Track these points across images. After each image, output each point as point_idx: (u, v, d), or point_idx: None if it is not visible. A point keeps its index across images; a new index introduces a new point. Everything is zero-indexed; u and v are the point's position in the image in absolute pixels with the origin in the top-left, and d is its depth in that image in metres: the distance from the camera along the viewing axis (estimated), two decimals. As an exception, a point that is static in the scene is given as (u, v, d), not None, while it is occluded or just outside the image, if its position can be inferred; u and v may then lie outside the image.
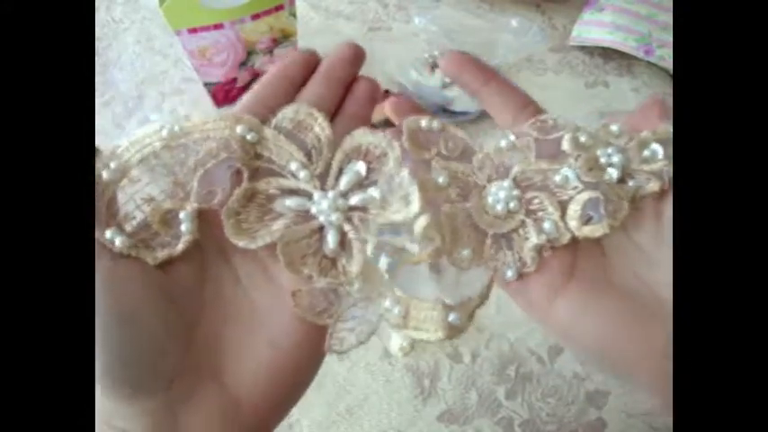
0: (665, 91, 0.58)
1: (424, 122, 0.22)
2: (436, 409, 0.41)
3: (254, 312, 0.20)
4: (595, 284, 0.20)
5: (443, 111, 0.55)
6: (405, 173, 0.20)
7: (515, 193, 0.21)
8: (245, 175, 0.20)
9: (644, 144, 0.21)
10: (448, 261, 0.21)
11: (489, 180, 0.22)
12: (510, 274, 0.21)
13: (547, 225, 0.21)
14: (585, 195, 0.20)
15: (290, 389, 0.20)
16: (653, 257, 0.20)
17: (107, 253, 0.18)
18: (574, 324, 0.20)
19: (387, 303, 0.20)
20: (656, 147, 0.21)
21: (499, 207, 0.21)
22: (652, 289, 0.19)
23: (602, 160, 0.21)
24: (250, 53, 0.52)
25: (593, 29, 0.60)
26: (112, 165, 0.19)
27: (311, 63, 0.24)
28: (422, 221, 0.19)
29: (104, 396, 0.17)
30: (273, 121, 0.21)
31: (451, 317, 0.19)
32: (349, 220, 0.20)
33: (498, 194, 0.21)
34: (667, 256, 0.18)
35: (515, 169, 0.22)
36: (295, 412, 0.40)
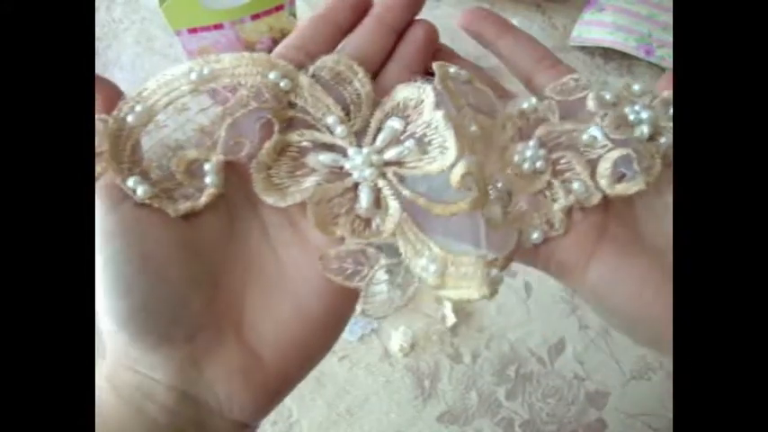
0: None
1: (452, 69, 0.21)
2: (436, 410, 0.41)
3: (280, 269, 0.19)
4: (627, 246, 0.20)
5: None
6: (440, 114, 0.19)
7: (542, 152, 0.21)
8: (276, 127, 0.19)
9: (668, 103, 0.21)
10: (482, 216, 0.20)
11: (512, 141, 0.21)
12: (536, 236, 0.20)
13: (576, 185, 0.20)
14: (616, 153, 0.20)
15: (312, 350, 0.19)
16: None
17: (130, 199, 0.18)
18: (606, 287, 0.19)
19: (422, 261, 0.18)
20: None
21: (526, 166, 0.20)
22: None
23: (631, 117, 0.20)
24: (250, 53, 0.52)
25: (593, 29, 0.60)
26: (138, 108, 0.18)
27: (361, 6, 0.21)
28: (459, 168, 0.18)
29: (129, 345, 0.17)
30: (311, 69, 0.20)
31: (494, 272, 0.18)
32: (383, 175, 0.19)
33: (525, 153, 0.21)
34: None
35: (540, 130, 0.21)
36: (295, 412, 0.40)
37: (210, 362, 0.18)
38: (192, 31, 0.47)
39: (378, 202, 0.19)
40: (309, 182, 0.19)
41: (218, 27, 0.48)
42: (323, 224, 0.19)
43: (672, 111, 0.20)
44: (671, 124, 0.20)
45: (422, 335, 0.43)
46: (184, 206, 0.18)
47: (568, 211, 0.20)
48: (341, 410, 0.41)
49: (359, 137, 0.20)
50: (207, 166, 0.19)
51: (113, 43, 0.63)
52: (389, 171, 0.19)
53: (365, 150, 0.19)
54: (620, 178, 0.20)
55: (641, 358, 0.43)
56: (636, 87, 0.22)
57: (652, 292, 0.19)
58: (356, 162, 0.19)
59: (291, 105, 0.20)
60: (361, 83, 0.20)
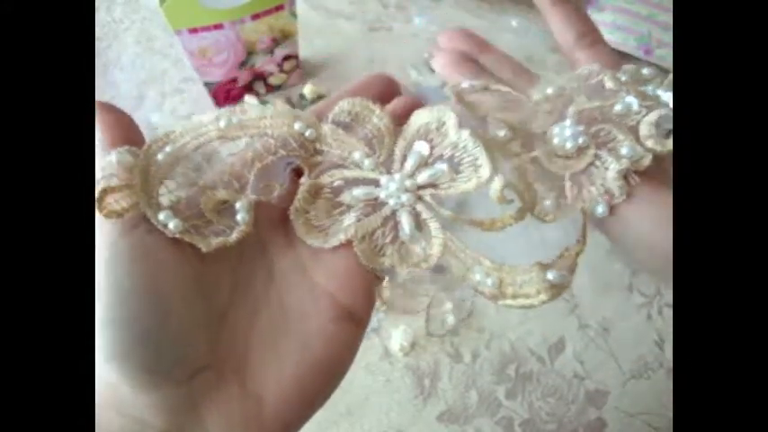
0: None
1: (465, 84, 0.22)
2: (436, 409, 0.41)
3: (285, 312, 0.19)
4: (661, 186, 0.20)
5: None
6: (466, 133, 0.19)
7: (580, 128, 0.21)
8: (307, 172, 0.20)
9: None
10: (534, 218, 0.20)
11: (545, 127, 0.21)
12: (601, 209, 0.20)
13: (624, 149, 0.20)
14: (655, 114, 0.20)
15: (314, 394, 0.19)
16: None
17: (143, 226, 0.17)
18: (641, 227, 0.20)
19: (477, 277, 0.19)
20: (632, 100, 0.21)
21: (569, 145, 0.20)
22: None
23: (651, 95, 0.21)
24: (250, 53, 0.52)
25: (593, 29, 0.60)
26: (168, 148, 0.19)
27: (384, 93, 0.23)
28: (497, 184, 0.18)
29: (121, 382, 0.16)
30: (330, 116, 0.21)
31: (551, 275, 0.18)
32: (420, 199, 0.20)
33: (564, 133, 0.21)
34: None
35: (572, 109, 0.21)
36: (295, 412, 0.40)
37: (209, 407, 0.17)
38: (193, 30, 0.47)
39: (419, 226, 0.20)
40: (349, 219, 0.19)
41: (218, 27, 0.48)
42: (370, 258, 0.19)
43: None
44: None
45: (422, 334, 0.43)
46: (216, 241, 0.18)
47: (624, 175, 0.20)
48: (341, 410, 0.41)
49: (386, 166, 0.20)
50: (238, 205, 0.19)
51: (113, 43, 0.63)
52: (426, 194, 0.20)
53: (397, 176, 0.20)
54: (665, 135, 0.20)
55: (641, 357, 0.43)
56: (645, 71, 0.22)
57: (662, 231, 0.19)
58: (391, 189, 0.20)
59: (317, 152, 0.20)
60: (378, 117, 0.21)
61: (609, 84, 0.21)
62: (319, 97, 0.55)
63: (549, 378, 0.42)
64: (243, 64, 0.53)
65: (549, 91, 0.22)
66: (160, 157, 0.19)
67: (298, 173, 0.20)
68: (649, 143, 0.20)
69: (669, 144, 0.20)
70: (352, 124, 0.21)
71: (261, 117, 0.20)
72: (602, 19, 0.59)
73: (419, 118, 0.21)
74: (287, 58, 0.55)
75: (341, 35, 0.63)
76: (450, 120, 0.20)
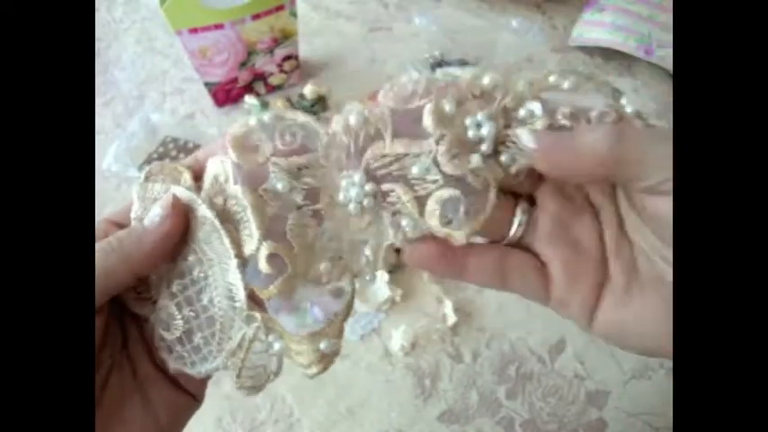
0: (665, 91, 0.58)
1: (253, 121, 0.19)
2: (437, 409, 0.41)
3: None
4: (626, 294, 0.20)
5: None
6: (237, 191, 0.18)
7: (369, 188, 0.19)
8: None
9: (520, 101, 0.19)
10: (306, 281, 0.19)
11: (339, 168, 0.19)
12: (368, 278, 0.20)
13: (404, 222, 0.19)
14: (446, 193, 0.18)
15: None
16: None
17: None
18: (613, 337, 0.20)
19: (270, 338, 0.19)
20: (534, 105, 0.18)
21: (351, 207, 0.19)
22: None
23: (470, 134, 0.18)
24: (251, 53, 0.52)
25: (593, 29, 0.60)
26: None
27: None
28: (263, 252, 0.18)
29: None
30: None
31: (323, 345, 0.19)
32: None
33: (349, 192, 0.19)
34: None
35: (368, 154, 0.19)
36: (296, 411, 0.40)
37: None
38: (193, 30, 0.47)
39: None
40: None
41: (218, 27, 0.48)
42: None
43: (522, 112, 0.19)
44: (519, 132, 0.18)
45: (422, 334, 0.43)
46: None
47: (397, 250, 0.19)
48: (342, 409, 0.41)
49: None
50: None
51: (114, 43, 0.63)
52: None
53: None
54: (447, 222, 0.19)
55: (641, 357, 0.43)
56: (486, 80, 0.19)
57: (656, 329, 0.19)
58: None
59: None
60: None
61: (426, 120, 0.18)
62: (319, 97, 0.55)
63: (549, 378, 0.42)
64: (243, 64, 0.53)
65: (353, 120, 0.19)
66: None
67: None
68: (432, 222, 0.18)
69: (444, 232, 0.18)
70: None
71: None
72: (601, 19, 0.59)
73: (210, 168, 0.20)
74: (287, 58, 0.55)
75: (341, 35, 0.63)
76: (229, 172, 0.19)
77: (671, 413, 0.40)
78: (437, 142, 0.18)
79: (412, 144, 0.18)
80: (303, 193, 0.19)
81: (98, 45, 0.63)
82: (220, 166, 0.19)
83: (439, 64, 0.59)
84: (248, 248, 0.18)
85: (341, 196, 0.19)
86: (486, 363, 0.43)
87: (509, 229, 0.21)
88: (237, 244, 0.18)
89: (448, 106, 0.18)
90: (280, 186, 0.18)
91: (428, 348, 0.43)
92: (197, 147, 0.52)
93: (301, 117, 0.19)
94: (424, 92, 0.19)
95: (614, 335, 0.20)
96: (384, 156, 0.19)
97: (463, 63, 0.59)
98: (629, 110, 0.19)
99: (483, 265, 0.20)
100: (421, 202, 0.18)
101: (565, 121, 0.18)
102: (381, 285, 0.44)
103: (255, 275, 0.18)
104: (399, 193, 0.18)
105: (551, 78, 0.19)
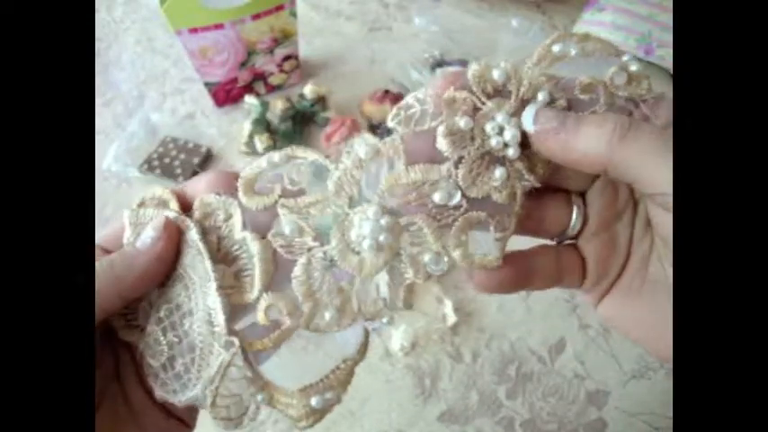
0: (665, 91, 0.58)
1: (265, 163, 0.18)
2: (437, 409, 0.41)
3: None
4: (630, 290, 0.20)
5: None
6: (246, 237, 0.17)
7: (384, 222, 0.17)
8: None
9: (536, 87, 0.18)
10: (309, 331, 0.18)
11: (351, 204, 0.18)
12: (384, 321, 0.18)
13: (426, 258, 0.17)
14: (474, 218, 0.17)
15: None
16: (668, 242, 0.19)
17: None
18: (618, 330, 0.20)
19: (251, 389, 0.18)
20: (545, 89, 0.18)
21: (365, 245, 0.17)
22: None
23: (494, 143, 0.17)
24: (251, 53, 0.52)
25: (593, 29, 0.60)
26: None
27: None
28: (263, 304, 0.17)
29: None
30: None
31: (314, 401, 0.18)
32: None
33: (363, 228, 0.17)
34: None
35: (382, 186, 0.17)
36: (296, 412, 0.40)
37: None
38: (193, 30, 0.47)
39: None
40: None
41: (218, 27, 0.48)
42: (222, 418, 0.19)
43: (540, 96, 0.18)
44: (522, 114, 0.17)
45: (422, 334, 0.43)
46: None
47: (411, 288, 0.18)
48: (342, 409, 0.41)
49: None
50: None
51: (114, 43, 0.63)
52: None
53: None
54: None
55: (641, 357, 0.43)
56: (495, 74, 0.18)
57: (655, 332, 0.19)
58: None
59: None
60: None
61: (440, 143, 0.17)
62: (319, 97, 0.55)
63: (549, 378, 0.42)
64: (243, 64, 0.53)
65: (362, 153, 0.17)
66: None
67: None
68: (456, 254, 0.17)
69: (476, 264, 0.17)
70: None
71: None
72: (601, 19, 0.59)
73: (206, 200, 0.19)
74: (287, 58, 0.55)
75: (341, 35, 0.63)
76: (237, 215, 0.18)
77: (671, 413, 0.40)
78: (456, 166, 0.17)
79: (429, 170, 0.17)
80: (313, 234, 0.18)
81: (98, 45, 0.63)
82: (220, 204, 0.18)
83: (439, 64, 0.59)
84: (248, 296, 0.17)
85: (353, 234, 0.17)
86: (486, 363, 0.43)
87: (564, 228, 0.21)
88: (241, 290, 0.18)
89: (462, 122, 0.17)
90: (288, 230, 0.18)
91: (428, 348, 0.43)
92: (197, 147, 0.52)
93: (312, 155, 0.18)
94: (435, 112, 0.17)
95: (614, 328, 0.20)
96: (400, 185, 0.17)
97: (463, 63, 0.59)
98: (633, 68, 0.18)
99: (546, 273, 0.20)
100: (443, 232, 0.17)
101: (583, 96, 0.17)
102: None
103: (252, 327, 0.18)
104: (421, 224, 0.17)
105: (555, 48, 0.18)
